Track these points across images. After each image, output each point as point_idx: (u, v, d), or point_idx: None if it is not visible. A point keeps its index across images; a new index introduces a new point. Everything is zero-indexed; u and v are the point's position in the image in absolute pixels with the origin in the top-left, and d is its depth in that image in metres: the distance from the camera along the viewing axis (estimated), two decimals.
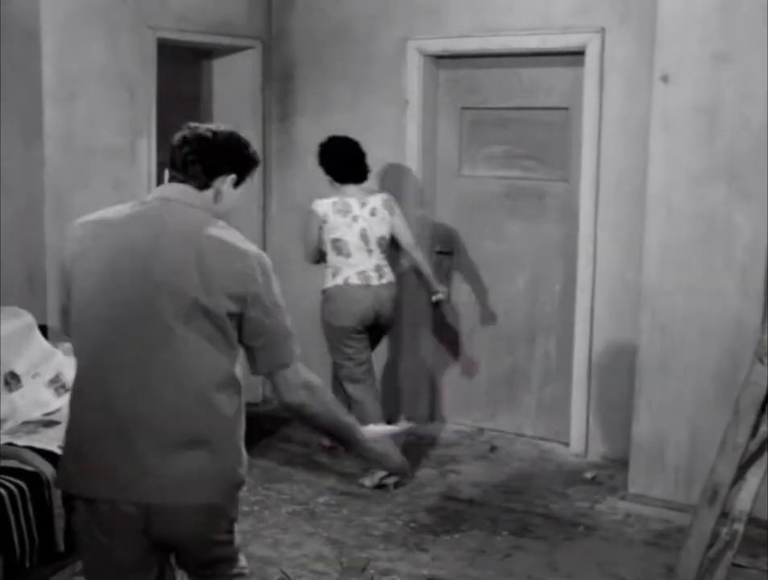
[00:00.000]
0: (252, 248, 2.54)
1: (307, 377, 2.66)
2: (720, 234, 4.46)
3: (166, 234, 2.45)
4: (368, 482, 4.84)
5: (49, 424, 4.12)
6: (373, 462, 3.45)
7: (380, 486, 4.81)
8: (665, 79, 4.52)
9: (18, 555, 3.52)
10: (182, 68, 5.96)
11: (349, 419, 2.76)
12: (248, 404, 6.58)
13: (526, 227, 5.59)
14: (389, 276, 5.00)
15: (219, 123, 2.70)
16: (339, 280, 4.93)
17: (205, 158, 2.55)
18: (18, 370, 4.29)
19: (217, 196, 2.60)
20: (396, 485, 4.82)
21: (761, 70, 4.28)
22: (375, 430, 2.81)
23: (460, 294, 5.79)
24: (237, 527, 2.64)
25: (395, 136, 5.69)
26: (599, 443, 5.32)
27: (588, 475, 5.11)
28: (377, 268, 4.94)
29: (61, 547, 3.73)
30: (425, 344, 5.88)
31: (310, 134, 5.98)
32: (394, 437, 3.12)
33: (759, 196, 4.35)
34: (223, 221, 2.60)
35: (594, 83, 5.10)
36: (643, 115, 4.75)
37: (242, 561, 2.71)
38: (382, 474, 4.76)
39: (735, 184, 4.41)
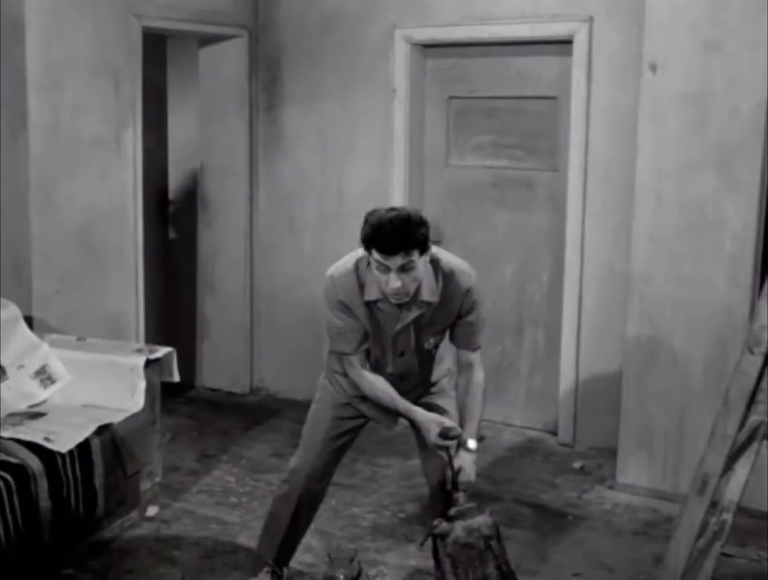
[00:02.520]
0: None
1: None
2: (709, 223, 4.46)
3: None
4: None
5: (35, 416, 4.10)
6: None
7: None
8: (653, 67, 4.50)
9: (4, 547, 3.50)
10: (168, 56, 5.92)
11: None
12: (236, 395, 6.64)
13: (514, 217, 5.57)
14: None
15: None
16: None
17: None
18: (4, 362, 4.27)
19: None
20: None
21: (751, 58, 4.27)
22: None
23: None
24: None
25: (383, 125, 5.67)
26: (587, 433, 5.32)
27: (577, 465, 5.11)
28: None
29: (47, 539, 3.71)
30: None
31: (297, 123, 5.97)
32: None
33: (748, 185, 4.35)
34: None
35: (582, 72, 5.08)
36: (632, 104, 4.73)
37: None
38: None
39: (724, 173, 4.40)
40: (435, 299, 3.23)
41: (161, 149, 6.28)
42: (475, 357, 3.40)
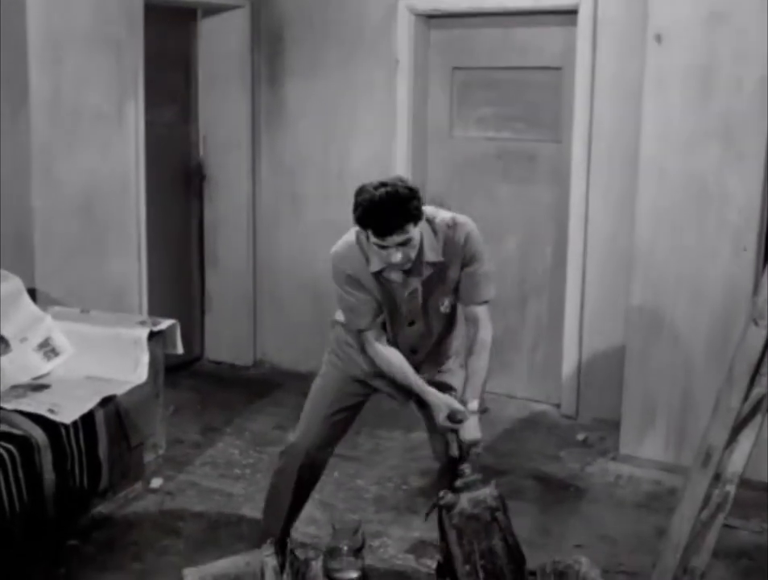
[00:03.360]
0: None
1: None
2: (713, 196, 4.44)
3: None
4: None
5: (38, 388, 4.10)
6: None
7: None
8: (658, 38, 4.46)
9: (8, 519, 3.51)
10: (169, 28, 5.87)
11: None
12: (239, 368, 6.64)
13: (518, 189, 5.55)
14: None
15: None
16: None
17: None
18: (7, 335, 4.27)
19: None
20: None
21: (756, 30, 4.23)
22: None
23: None
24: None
25: (386, 97, 5.64)
26: (590, 405, 5.32)
27: (579, 437, 5.12)
28: None
29: (51, 510, 3.72)
30: None
31: (300, 95, 5.93)
32: None
33: (753, 157, 4.33)
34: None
35: (587, 42, 5.04)
36: (636, 75, 4.70)
37: None
38: None
39: (729, 145, 4.37)
40: (439, 258, 3.21)
41: (189, 123, 6.17)
42: (481, 311, 3.31)
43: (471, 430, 3.22)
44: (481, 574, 3.08)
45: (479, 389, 3.30)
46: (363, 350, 3.39)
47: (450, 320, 3.40)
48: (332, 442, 3.56)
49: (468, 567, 3.08)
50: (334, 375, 3.50)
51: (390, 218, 3.02)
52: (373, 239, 3.07)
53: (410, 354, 3.37)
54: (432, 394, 3.28)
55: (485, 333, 3.31)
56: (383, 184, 3.06)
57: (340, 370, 3.49)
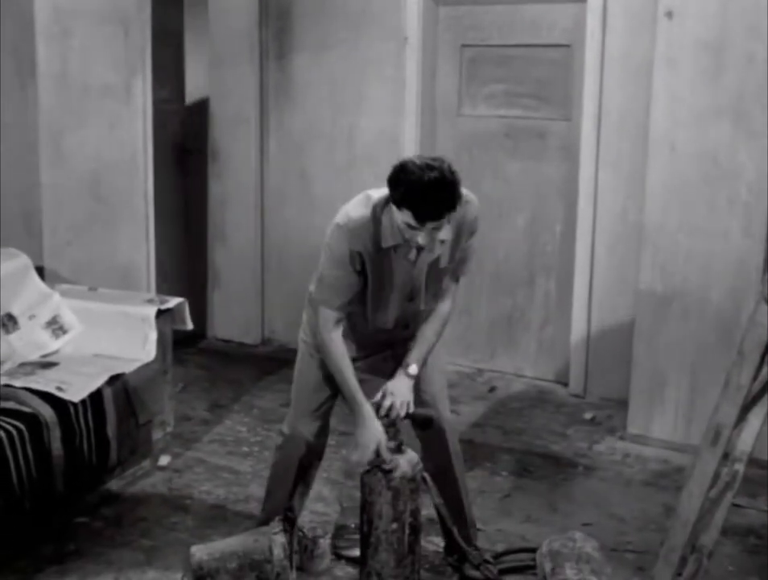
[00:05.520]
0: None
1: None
2: (723, 172, 4.41)
3: None
4: None
5: (47, 365, 4.10)
6: None
7: None
8: (669, 14, 4.43)
9: (18, 496, 3.52)
10: (176, 3, 5.83)
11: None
12: (247, 346, 6.63)
13: (527, 167, 5.53)
14: None
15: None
16: None
17: None
18: (15, 312, 4.27)
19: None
20: None
21: None
22: None
23: None
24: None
25: (394, 74, 5.61)
26: (598, 383, 5.31)
27: (587, 416, 5.12)
28: None
29: (60, 487, 3.73)
30: None
31: (308, 71, 5.91)
32: None
33: (764, 134, 4.29)
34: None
35: (597, 19, 5.01)
36: (647, 52, 4.67)
37: None
38: None
39: (740, 122, 4.34)
40: (450, 236, 3.15)
41: (181, 100, 6.14)
42: (453, 286, 3.33)
43: (398, 401, 3.22)
44: (407, 530, 3.22)
45: (423, 355, 3.30)
46: (316, 328, 3.31)
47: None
48: (325, 428, 3.53)
49: (395, 525, 3.21)
50: (312, 364, 3.42)
51: (438, 206, 2.90)
52: (407, 219, 2.93)
53: (403, 329, 3.34)
54: (367, 415, 3.22)
55: (446, 306, 3.33)
56: (430, 167, 2.87)
57: (316, 358, 3.40)
